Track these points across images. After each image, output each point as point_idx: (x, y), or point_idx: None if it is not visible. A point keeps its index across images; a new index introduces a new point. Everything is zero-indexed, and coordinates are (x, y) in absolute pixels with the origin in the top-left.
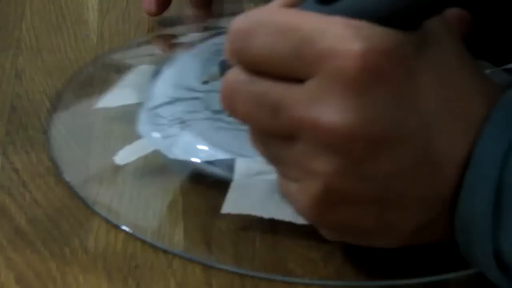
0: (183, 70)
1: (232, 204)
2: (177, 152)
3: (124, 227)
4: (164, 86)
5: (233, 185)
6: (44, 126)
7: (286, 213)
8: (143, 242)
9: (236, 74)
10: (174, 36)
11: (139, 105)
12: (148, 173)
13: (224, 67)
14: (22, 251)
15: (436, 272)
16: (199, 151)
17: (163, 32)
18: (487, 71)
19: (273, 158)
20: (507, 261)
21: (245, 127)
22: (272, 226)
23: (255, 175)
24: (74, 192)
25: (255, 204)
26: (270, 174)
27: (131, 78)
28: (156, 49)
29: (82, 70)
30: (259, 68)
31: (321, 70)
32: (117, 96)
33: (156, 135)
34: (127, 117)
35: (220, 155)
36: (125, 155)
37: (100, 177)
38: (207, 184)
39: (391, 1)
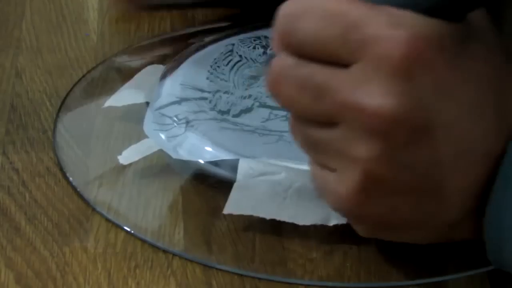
0: (192, 70)
1: (234, 205)
2: (181, 152)
3: (124, 227)
4: (172, 86)
5: (235, 186)
6: (44, 126)
7: (287, 214)
8: (143, 242)
9: (283, 59)
10: (184, 37)
11: (146, 104)
12: (148, 173)
13: (271, 61)
14: (22, 251)
15: (436, 273)
16: (202, 151)
17: (173, 34)
18: None
19: (311, 146)
20: None
21: (250, 128)
22: (272, 226)
23: (258, 176)
24: (76, 191)
25: (256, 204)
26: (273, 175)
27: (139, 78)
28: (165, 50)
29: (90, 72)
30: (305, 51)
31: (366, 55)
32: (124, 96)
33: (161, 135)
34: (133, 116)
35: (224, 156)
36: (129, 155)
37: (101, 176)
38: (208, 184)
39: None
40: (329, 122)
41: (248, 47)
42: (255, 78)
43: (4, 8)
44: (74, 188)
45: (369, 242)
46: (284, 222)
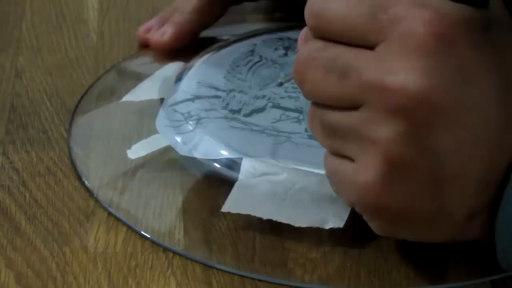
0: (211, 69)
1: (232, 204)
2: (187, 149)
3: (123, 226)
4: (189, 84)
5: (236, 185)
6: (44, 126)
7: (285, 215)
8: (143, 241)
9: (310, 43)
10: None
11: (161, 101)
12: (148, 173)
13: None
14: (22, 250)
15: (436, 277)
16: (208, 149)
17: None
18: None
19: (330, 133)
20: None
21: (259, 129)
22: (272, 226)
23: (260, 176)
24: (88, 190)
25: (255, 204)
26: (275, 176)
27: (160, 74)
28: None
29: (103, 76)
30: (333, 32)
31: (391, 34)
32: (142, 91)
33: (170, 130)
34: (149, 112)
35: (228, 154)
36: (138, 149)
37: (100, 173)
38: (209, 183)
39: None
40: (351, 106)
41: (270, 48)
42: (281, 85)
43: (4, 8)
44: (85, 187)
45: (369, 242)
46: (284, 222)
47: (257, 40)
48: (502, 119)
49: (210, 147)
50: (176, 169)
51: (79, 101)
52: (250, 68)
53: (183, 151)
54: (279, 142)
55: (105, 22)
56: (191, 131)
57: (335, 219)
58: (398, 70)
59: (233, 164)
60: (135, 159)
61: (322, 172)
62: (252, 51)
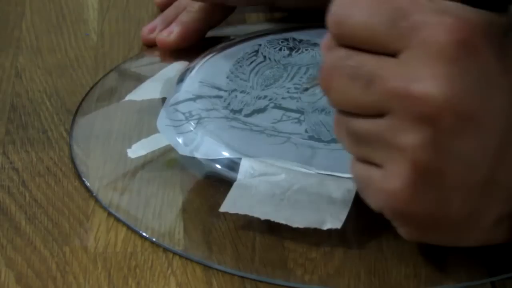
0: (214, 68)
1: (231, 204)
2: (188, 149)
3: (123, 226)
4: (191, 83)
5: (235, 185)
6: (44, 126)
7: (283, 216)
8: (143, 241)
9: (334, 52)
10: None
11: (163, 100)
12: (149, 171)
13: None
14: (22, 250)
15: (436, 277)
16: (208, 149)
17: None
18: None
19: (356, 141)
20: None
21: (259, 129)
22: (272, 226)
23: (258, 176)
24: (89, 191)
25: (253, 204)
26: (273, 176)
27: (163, 73)
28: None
29: (104, 78)
30: (356, 40)
31: (413, 41)
32: (145, 90)
33: (171, 130)
34: (148, 112)
35: (227, 154)
36: (138, 148)
37: (100, 173)
38: (209, 183)
39: None
40: (376, 114)
41: (275, 48)
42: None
43: (4, 8)
44: (85, 186)
45: (369, 242)
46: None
47: (262, 40)
48: None
49: (210, 147)
50: (176, 169)
51: (80, 103)
52: (253, 68)
53: (183, 151)
54: (278, 142)
55: (105, 22)
56: (192, 131)
57: (333, 220)
58: (422, 78)
59: (233, 165)
60: (135, 159)
61: (321, 173)
62: (257, 51)
